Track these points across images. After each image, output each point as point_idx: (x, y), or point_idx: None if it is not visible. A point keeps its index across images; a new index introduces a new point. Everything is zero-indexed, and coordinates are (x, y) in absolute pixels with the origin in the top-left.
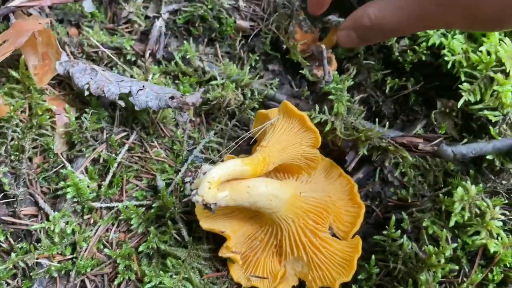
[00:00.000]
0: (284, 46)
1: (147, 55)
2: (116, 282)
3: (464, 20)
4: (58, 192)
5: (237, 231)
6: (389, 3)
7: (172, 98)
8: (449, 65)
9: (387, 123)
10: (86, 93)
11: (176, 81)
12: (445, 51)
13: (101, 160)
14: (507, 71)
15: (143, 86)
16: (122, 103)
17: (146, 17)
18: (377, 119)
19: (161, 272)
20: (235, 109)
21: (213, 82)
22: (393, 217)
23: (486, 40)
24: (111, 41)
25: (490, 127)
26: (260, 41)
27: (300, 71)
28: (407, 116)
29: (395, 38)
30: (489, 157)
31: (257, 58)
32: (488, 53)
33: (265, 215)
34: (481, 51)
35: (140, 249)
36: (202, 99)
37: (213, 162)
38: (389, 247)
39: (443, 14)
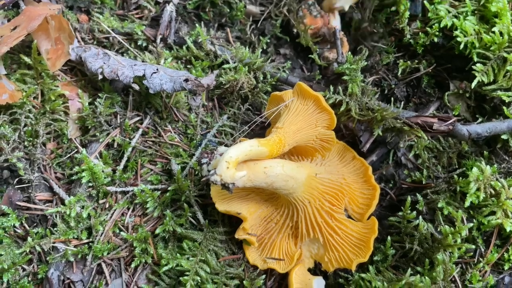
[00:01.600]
0: (295, 30)
1: (158, 40)
2: (133, 265)
3: None
4: (73, 177)
5: (253, 213)
6: None
7: (186, 80)
8: (462, 46)
9: (401, 105)
10: (100, 77)
11: (188, 66)
12: (457, 32)
13: (115, 145)
14: None
15: (157, 70)
16: (136, 87)
17: (156, 2)
18: (390, 102)
19: (178, 255)
20: (248, 93)
21: (225, 66)
22: (409, 199)
23: (498, 21)
24: (121, 27)
25: (504, 107)
26: (270, 25)
27: (310, 56)
28: (420, 99)
29: (407, 21)
30: (503, 137)
31: (268, 41)
32: (501, 34)
33: (281, 197)
34: (493, 32)
35: (157, 232)
36: (216, 81)
37: (227, 146)
38: (405, 228)
39: None
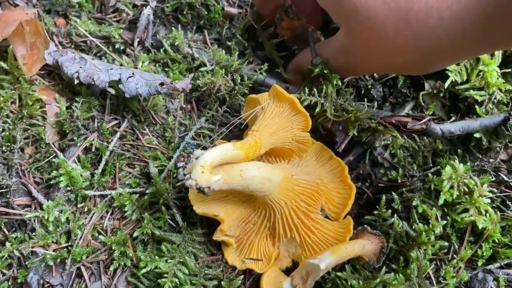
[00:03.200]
0: (260, 40)
1: (135, 43)
2: (112, 268)
3: (386, 70)
4: (51, 182)
5: (231, 214)
6: (322, 54)
7: (162, 84)
8: None
9: (376, 105)
10: (76, 81)
11: (166, 69)
12: None
13: (93, 149)
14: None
15: (133, 74)
16: (112, 91)
17: (134, 5)
18: (366, 102)
19: (156, 257)
20: (226, 95)
21: (202, 69)
22: (384, 197)
23: None
24: (99, 30)
25: (476, 107)
26: (234, 28)
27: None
28: (396, 99)
29: None
30: (476, 135)
31: (245, 42)
32: None
33: (258, 199)
34: None
35: (135, 235)
36: (192, 85)
37: (205, 148)
38: (380, 226)
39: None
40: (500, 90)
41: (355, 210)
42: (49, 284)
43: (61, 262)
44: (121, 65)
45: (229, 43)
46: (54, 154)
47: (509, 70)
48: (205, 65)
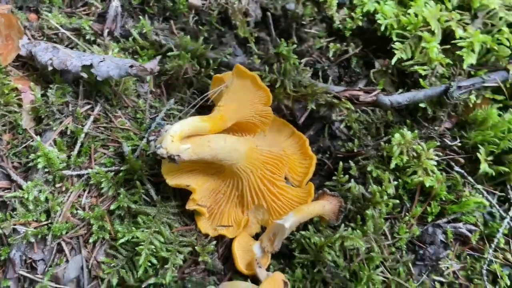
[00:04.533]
0: (233, 21)
1: (105, 33)
2: (91, 241)
3: None
4: (29, 164)
5: (202, 185)
6: None
7: (131, 66)
8: (383, 28)
9: (333, 84)
10: (50, 68)
11: (135, 56)
12: (378, 16)
13: (68, 132)
14: (432, 29)
15: (104, 59)
16: (84, 75)
17: None
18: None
19: (133, 228)
20: (193, 78)
21: (169, 54)
22: (341, 164)
23: (413, 4)
24: (70, 23)
25: (420, 79)
26: (207, 15)
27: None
28: (350, 78)
29: (335, 8)
30: (422, 105)
31: (208, 29)
32: (416, 15)
33: (226, 169)
34: (409, 14)
35: (112, 208)
36: (160, 69)
37: None
38: (340, 191)
39: None
40: (442, 65)
41: (317, 181)
42: (31, 259)
43: (42, 239)
44: (92, 52)
45: (196, 28)
46: (31, 139)
47: (448, 46)
48: (172, 51)
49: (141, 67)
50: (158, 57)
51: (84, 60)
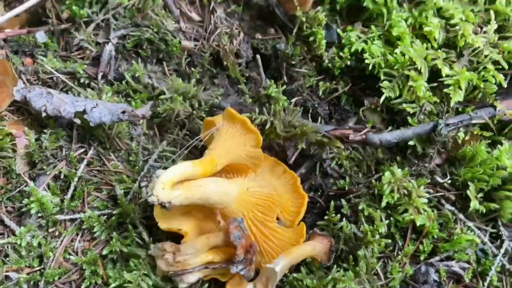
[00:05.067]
0: (225, 63)
1: (99, 77)
2: (83, 286)
3: None
4: (23, 209)
5: (193, 228)
6: None
7: (124, 112)
8: (371, 67)
9: (323, 122)
10: (44, 114)
11: (128, 99)
12: (366, 55)
13: (62, 176)
14: (419, 68)
15: (97, 104)
16: (78, 121)
17: (97, 43)
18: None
19: (125, 272)
20: (185, 120)
21: (162, 97)
22: (332, 203)
23: (400, 43)
24: (64, 67)
25: (409, 117)
26: (199, 57)
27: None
28: (341, 115)
29: (324, 48)
30: (411, 143)
31: (201, 70)
32: (403, 54)
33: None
34: (396, 53)
35: (104, 253)
36: (153, 111)
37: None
38: (332, 230)
39: None
40: (430, 102)
41: (310, 219)
42: None
43: (34, 285)
44: (86, 97)
45: (189, 71)
46: (25, 184)
47: (435, 84)
48: (164, 94)
49: (133, 112)
50: (150, 103)
51: (78, 106)
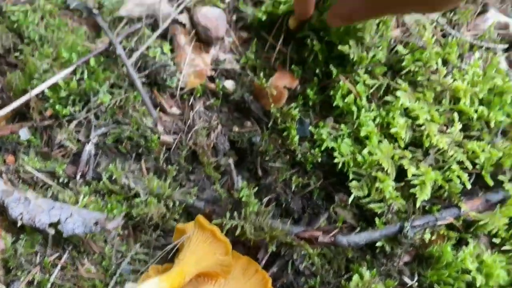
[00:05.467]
0: (200, 161)
1: (78, 176)
2: None
3: None
4: None
5: None
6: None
7: (96, 223)
8: (340, 165)
9: (295, 217)
10: (19, 223)
11: (105, 198)
12: (336, 154)
13: (35, 283)
14: (386, 169)
15: (71, 214)
16: (52, 231)
17: (78, 140)
18: (285, 215)
19: None
20: (159, 221)
21: (137, 200)
22: None
23: (368, 142)
24: (45, 166)
25: (376, 218)
26: (176, 154)
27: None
28: (313, 210)
29: (297, 143)
30: (378, 244)
31: (177, 167)
32: (370, 154)
33: None
34: (364, 153)
35: None
36: (127, 212)
37: (141, 272)
38: None
39: None
40: (397, 202)
41: None
42: None
43: None
44: (63, 201)
45: (165, 168)
46: None
47: (402, 184)
48: (139, 196)
49: (104, 224)
50: (122, 214)
51: (53, 216)
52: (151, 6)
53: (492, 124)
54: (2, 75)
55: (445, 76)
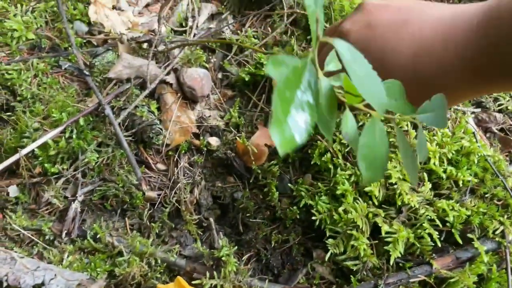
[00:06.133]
0: (183, 217)
1: (63, 234)
2: None
3: None
4: None
5: None
6: None
7: (79, 284)
8: (317, 223)
9: (275, 273)
10: (5, 284)
11: (90, 256)
12: (313, 211)
13: None
14: (361, 227)
15: (55, 275)
16: None
17: (65, 197)
18: (265, 270)
19: None
20: (140, 279)
21: (119, 259)
22: None
23: (344, 200)
24: (31, 224)
25: (351, 276)
26: (159, 211)
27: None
28: (292, 265)
29: (277, 199)
30: None
31: (160, 224)
32: (346, 212)
33: None
34: (340, 211)
35: None
36: (110, 270)
37: None
38: None
39: None
40: (372, 259)
41: None
42: None
43: None
44: (49, 259)
45: (149, 225)
46: None
47: (376, 241)
48: (122, 255)
49: (88, 283)
50: (104, 276)
51: (37, 278)
52: (140, 68)
53: (460, 183)
54: None
55: (415, 137)
